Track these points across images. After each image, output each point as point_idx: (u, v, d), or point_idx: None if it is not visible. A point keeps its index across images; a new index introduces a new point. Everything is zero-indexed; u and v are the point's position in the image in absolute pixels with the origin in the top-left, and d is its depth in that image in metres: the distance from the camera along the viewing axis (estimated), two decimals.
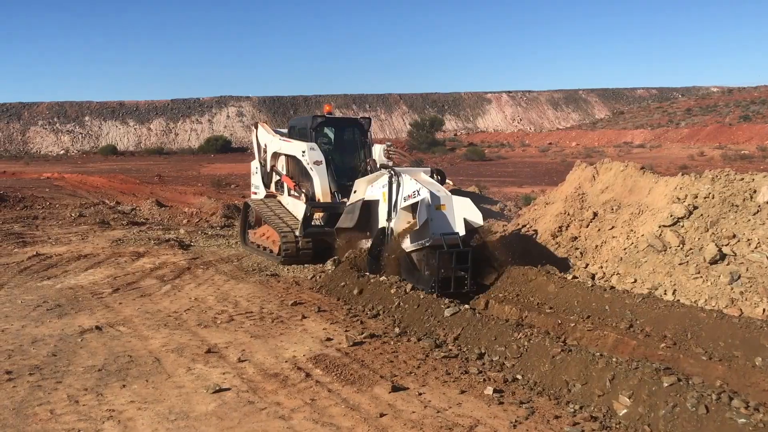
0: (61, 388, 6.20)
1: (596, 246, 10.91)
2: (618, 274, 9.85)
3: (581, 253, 11.03)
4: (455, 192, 12.65)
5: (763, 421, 4.80)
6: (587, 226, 11.50)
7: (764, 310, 8.03)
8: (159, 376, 6.58)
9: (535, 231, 12.38)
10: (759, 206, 9.40)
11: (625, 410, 5.52)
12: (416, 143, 71.29)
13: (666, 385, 5.44)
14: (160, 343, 7.67)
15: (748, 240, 9.01)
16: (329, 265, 11.17)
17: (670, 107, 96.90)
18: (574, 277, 10.00)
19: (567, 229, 11.81)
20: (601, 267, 10.24)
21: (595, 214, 11.57)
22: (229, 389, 6.22)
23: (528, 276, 9.73)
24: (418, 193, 9.76)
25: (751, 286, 8.42)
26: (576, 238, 11.46)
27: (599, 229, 11.22)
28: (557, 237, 11.79)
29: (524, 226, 13.07)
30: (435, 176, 10.98)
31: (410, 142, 74.14)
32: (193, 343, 7.69)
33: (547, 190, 16.54)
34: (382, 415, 5.62)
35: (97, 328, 8.24)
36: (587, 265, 10.59)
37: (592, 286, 9.10)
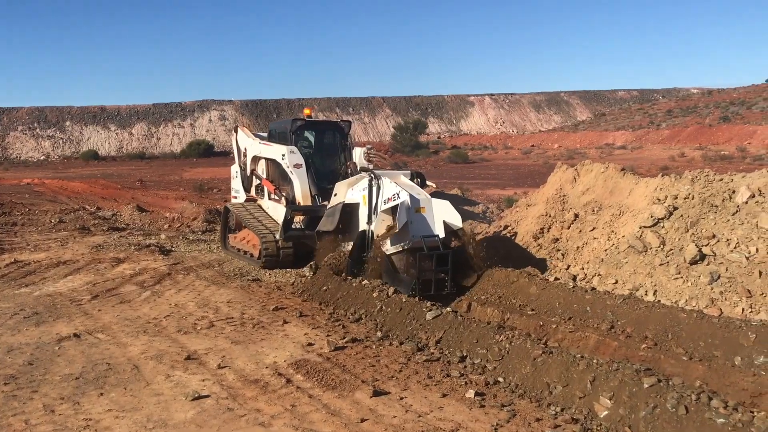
0: (36, 398, 6.10)
1: (578, 247, 10.94)
2: (599, 275, 9.87)
3: (563, 254, 11.06)
4: (437, 194, 12.66)
5: (742, 420, 4.81)
6: (568, 228, 11.53)
7: (743, 309, 8.08)
8: (137, 384, 6.49)
9: (516, 233, 12.40)
10: (738, 206, 9.46)
11: (606, 412, 5.52)
12: (400, 146, 71.25)
13: (646, 386, 5.44)
14: (139, 350, 7.58)
15: (728, 240, 9.06)
16: (307, 271, 11.09)
17: (651, 108, 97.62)
18: (556, 279, 10.01)
19: (548, 231, 11.84)
20: (583, 268, 10.26)
21: (577, 216, 11.61)
22: (208, 396, 6.15)
23: (510, 278, 9.72)
24: (398, 196, 9.74)
25: (730, 286, 8.46)
26: (557, 239, 11.49)
27: (580, 231, 11.25)
28: (539, 239, 11.81)
29: (506, 227, 13.09)
30: (415, 179, 10.96)
31: (394, 145, 74.10)
32: (173, 349, 7.60)
33: (530, 192, 16.59)
34: (363, 420, 5.58)
35: (75, 335, 8.13)
36: (569, 266, 10.60)
37: (574, 287, 9.11)
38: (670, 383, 5.52)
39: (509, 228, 12.96)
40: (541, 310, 8.89)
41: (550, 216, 12.10)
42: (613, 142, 71.43)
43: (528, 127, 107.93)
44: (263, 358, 7.28)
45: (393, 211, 9.80)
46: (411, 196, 9.78)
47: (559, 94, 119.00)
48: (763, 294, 8.16)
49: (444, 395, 6.17)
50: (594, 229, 11.03)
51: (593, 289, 9.17)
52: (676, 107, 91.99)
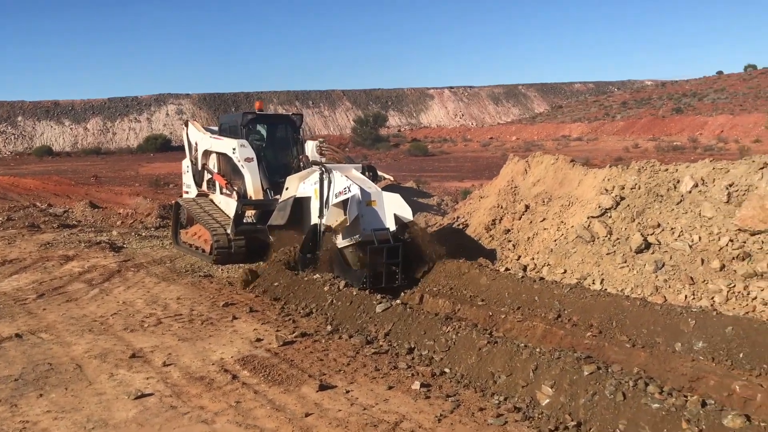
0: None
1: (528, 238, 11.06)
2: (549, 265, 10.00)
3: (514, 245, 11.17)
4: (391, 187, 12.67)
5: (675, 405, 4.92)
6: (519, 219, 11.65)
7: (686, 296, 8.26)
8: (79, 384, 6.37)
9: (469, 224, 12.48)
10: (682, 196, 9.67)
11: (548, 400, 5.59)
12: (360, 139, 71.18)
13: (586, 373, 5.53)
14: (83, 350, 7.43)
15: (672, 229, 9.26)
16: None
17: (607, 100, 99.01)
18: (507, 269, 10.11)
19: (500, 222, 11.95)
20: (533, 258, 10.38)
21: (527, 207, 11.74)
22: (151, 394, 6.07)
23: (461, 269, 9.79)
24: (349, 190, 9.72)
25: (674, 274, 8.65)
26: (509, 230, 11.60)
27: (531, 222, 11.38)
28: (491, 230, 11.91)
29: (459, 219, 13.17)
30: (366, 173, 10.94)
31: (354, 138, 73.99)
32: (118, 348, 7.47)
33: (485, 184, 16.71)
34: (307, 415, 5.56)
35: (17, 335, 7.93)
36: (520, 257, 10.72)
37: (523, 277, 9.21)
38: (609, 370, 5.62)
39: (462, 220, 13.05)
40: (491, 300, 8.97)
41: (501, 207, 12.21)
42: (570, 133, 72.37)
43: (487, 120, 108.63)
44: (210, 354, 7.20)
45: (344, 204, 9.78)
46: (362, 190, 9.77)
47: (517, 87, 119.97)
48: (704, 281, 8.36)
49: (390, 387, 6.18)
50: (544, 219, 11.17)
51: (541, 278, 9.28)
52: (631, 99, 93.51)
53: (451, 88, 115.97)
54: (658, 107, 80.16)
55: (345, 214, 9.66)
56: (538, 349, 6.20)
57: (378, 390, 6.13)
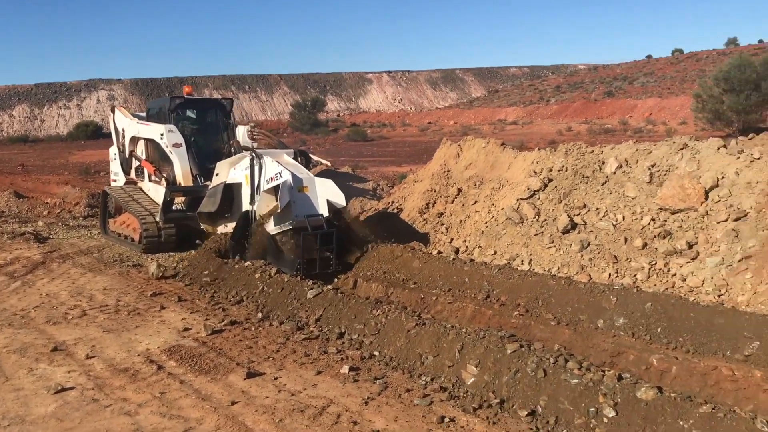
0: None
1: (460, 221, 11.19)
2: (480, 247, 10.14)
3: (447, 228, 11.28)
4: (326, 173, 12.60)
5: (593, 380, 5.08)
6: (452, 202, 11.77)
7: (610, 275, 8.51)
8: None
9: (403, 208, 12.54)
10: (607, 177, 9.94)
11: (473, 378, 5.69)
12: (299, 124, 70.48)
13: (509, 352, 5.65)
14: (1, 345, 7.16)
15: (597, 209, 9.51)
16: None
17: (541, 85, 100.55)
18: (439, 252, 10.22)
19: (434, 206, 12.05)
20: (465, 241, 10.51)
21: (460, 190, 11.86)
22: (72, 388, 5.90)
23: (394, 253, 9.84)
24: (280, 176, 9.63)
25: (599, 253, 8.89)
26: (442, 213, 11.70)
27: (463, 205, 11.51)
28: (424, 213, 12.00)
29: (393, 203, 13.22)
30: (298, 158, 10.84)
31: (293, 123, 73.26)
32: (39, 341, 7.23)
33: (421, 168, 16.79)
34: (234, 403, 5.50)
35: None
36: (452, 239, 10.84)
37: (454, 259, 9.32)
38: (532, 348, 5.75)
39: (396, 204, 13.10)
40: (423, 283, 9.04)
41: (435, 191, 12.31)
42: (506, 117, 73.34)
43: (425, 104, 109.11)
44: (136, 345, 7.04)
45: (275, 190, 9.68)
46: (293, 176, 9.68)
47: (455, 71, 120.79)
48: (627, 259, 8.62)
49: (319, 372, 6.18)
50: (476, 202, 11.31)
51: (472, 260, 9.42)
52: (564, 83, 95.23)
53: (389, 72, 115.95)
54: (591, 91, 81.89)
55: (276, 201, 9.57)
56: (464, 330, 6.30)
57: (307, 375, 6.12)
